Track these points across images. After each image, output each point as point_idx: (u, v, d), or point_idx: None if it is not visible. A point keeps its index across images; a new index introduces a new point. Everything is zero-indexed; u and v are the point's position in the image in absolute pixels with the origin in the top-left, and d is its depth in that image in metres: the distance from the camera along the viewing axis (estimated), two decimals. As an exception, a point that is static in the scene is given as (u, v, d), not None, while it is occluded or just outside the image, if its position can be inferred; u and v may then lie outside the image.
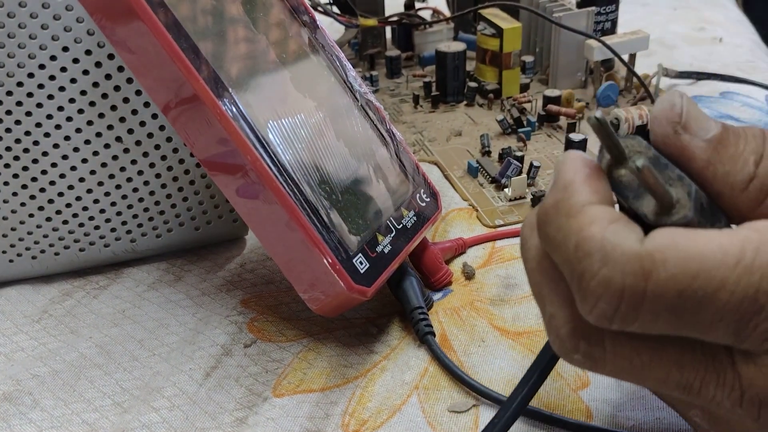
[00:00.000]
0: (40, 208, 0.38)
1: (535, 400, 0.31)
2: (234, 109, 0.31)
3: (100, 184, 0.38)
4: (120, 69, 0.36)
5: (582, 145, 0.45)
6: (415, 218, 0.37)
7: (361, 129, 0.37)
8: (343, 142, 0.36)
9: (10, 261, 0.39)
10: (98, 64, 0.35)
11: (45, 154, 0.37)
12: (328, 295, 0.33)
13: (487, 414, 0.31)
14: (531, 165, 0.46)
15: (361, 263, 0.33)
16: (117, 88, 0.36)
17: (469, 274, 0.39)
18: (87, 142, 0.37)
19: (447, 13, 0.66)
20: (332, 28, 0.66)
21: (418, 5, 0.66)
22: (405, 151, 0.39)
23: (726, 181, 0.22)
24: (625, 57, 0.54)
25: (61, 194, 0.38)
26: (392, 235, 0.35)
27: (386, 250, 0.34)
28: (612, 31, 0.57)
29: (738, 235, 0.20)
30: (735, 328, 0.20)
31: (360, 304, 0.34)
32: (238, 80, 0.32)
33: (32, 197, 0.38)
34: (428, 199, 0.38)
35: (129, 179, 0.38)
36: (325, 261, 0.32)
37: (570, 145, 0.45)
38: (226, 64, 0.32)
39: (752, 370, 0.21)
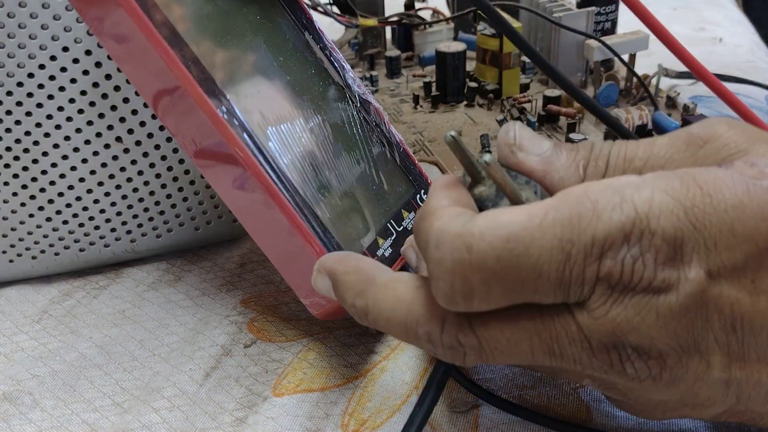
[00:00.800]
0: (40, 209, 0.38)
1: (535, 400, 0.31)
2: (232, 116, 0.31)
3: (100, 184, 0.38)
4: (120, 69, 0.36)
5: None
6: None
7: (359, 131, 0.37)
8: (342, 145, 0.35)
9: (10, 261, 0.39)
10: (98, 65, 0.35)
11: (45, 154, 0.37)
12: (330, 301, 0.32)
13: (487, 413, 0.31)
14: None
15: None
16: (117, 89, 0.36)
17: None
18: (87, 142, 0.37)
19: (447, 13, 0.66)
20: (332, 28, 0.66)
21: (418, 5, 0.66)
22: (405, 152, 0.39)
23: (562, 185, 0.26)
24: (625, 57, 0.54)
25: (61, 194, 0.38)
26: (393, 237, 0.35)
27: (387, 254, 0.34)
28: (612, 31, 0.57)
29: (542, 202, 0.23)
30: (555, 280, 0.22)
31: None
32: (234, 85, 0.32)
33: (32, 197, 0.38)
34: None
35: (129, 179, 0.38)
36: None
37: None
38: (222, 68, 0.32)
39: (587, 318, 0.23)
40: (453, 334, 0.24)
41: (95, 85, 0.36)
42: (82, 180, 0.38)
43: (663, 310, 0.22)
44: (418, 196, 0.38)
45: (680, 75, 0.58)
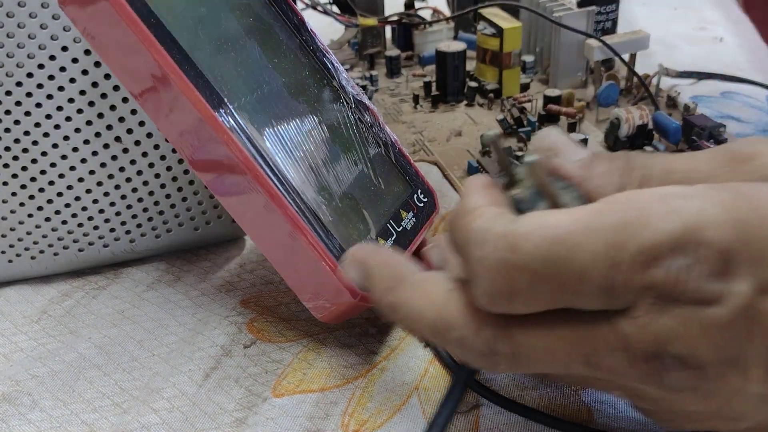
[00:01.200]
0: (39, 209, 0.38)
1: (536, 402, 0.31)
2: (231, 120, 0.31)
3: (99, 184, 0.38)
4: (107, 65, 0.35)
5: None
6: (414, 219, 0.37)
7: (355, 132, 0.37)
8: (339, 146, 0.35)
9: (9, 261, 0.39)
10: (97, 64, 0.35)
11: (44, 154, 0.36)
12: (333, 304, 0.32)
13: (488, 414, 0.31)
14: (531, 165, 0.46)
15: None
16: (116, 88, 0.36)
17: None
18: (86, 142, 0.37)
19: (447, 12, 0.66)
20: (332, 28, 0.66)
21: (418, 5, 0.66)
22: (400, 152, 0.38)
23: (600, 193, 0.25)
24: (626, 57, 0.54)
25: (60, 194, 0.38)
26: (393, 238, 0.35)
27: None
28: (612, 30, 0.57)
29: (588, 206, 0.23)
30: (600, 285, 0.22)
31: (364, 310, 0.34)
32: (230, 88, 0.32)
33: (31, 197, 0.37)
34: (426, 199, 0.38)
35: (128, 179, 0.38)
36: (329, 270, 0.31)
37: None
38: (221, 74, 0.32)
39: (630, 326, 0.22)
40: (488, 340, 0.24)
41: (94, 84, 0.36)
42: (81, 180, 0.38)
43: (708, 322, 0.22)
44: (415, 196, 0.38)
45: (681, 75, 0.58)
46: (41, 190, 0.37)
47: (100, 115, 0.36)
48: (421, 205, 0.38)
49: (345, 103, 0.37)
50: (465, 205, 0.25)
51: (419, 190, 0.38)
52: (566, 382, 0.31)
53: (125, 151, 0.37)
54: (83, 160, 0.37)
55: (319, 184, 0.33)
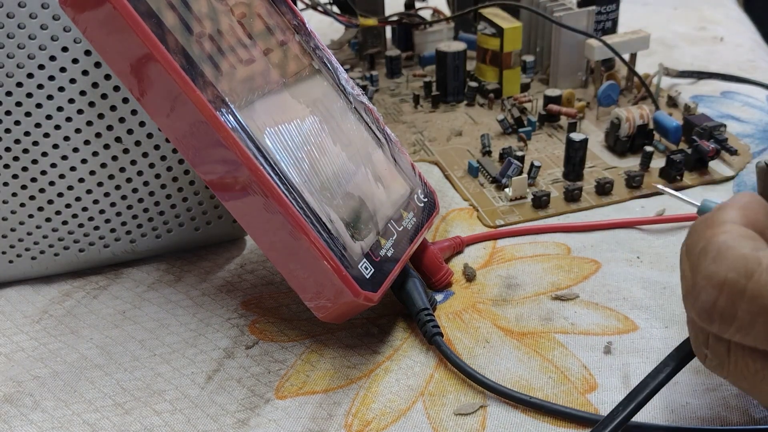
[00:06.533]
0: (40, 209, 0.38)
1: (544, 403, 0.31)
2: (232, 119, 0.30)
3: (100, 184, 0.38)
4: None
5: (583, 144, 0.45)
6: (414, 219, 0.37)
7: (356, 132, 0.37)
8: (340, 146, 0.35)
9: (10, 262, 0.39)
10: (98, 65, 0.35)
11: (44, 154, 0.36)
12: (335, 303, 0.32)
13: (495, 414, 0.31)
14: (532, 165, 0.46)
15: (366, 269, 0.33)
16: (116, 89, 0.36)
17: (469, 276, 0.39)
18: (86, 142, 0.37)
19: (447, 12, 0.66)
20: (332, 28, 0.66)
21: (418, 5, 0.66)
22: (401, 152, 0.38)
23: None
24: (626, 56, 0.54)
25: (60, 195, 0.38)
26: (394, 237, 0.35)
27: (389, 254, 0.34)
28: (612, 30, 0.57)
29: None
30: None
31: (366, 309, 0.34)
32: (231, 87, 0.31)
33: (32, 198, 0.37)
34: (426, 199, 0.38)
35: (129, 180, 0.38)
36: (331, 269, 0.31)
37: (571, 144, 0.45)
38: (222, 74, 0.31)
39: None
40: (704, 343, 0.24)
41: (95, 85, 0.36)
42: (81, 180, 0.37)
43: None
44: (415, 196, 0.38)
45: (681, 74, 0.58)
46: (42, 190, 0.37)
47: (101, 116, 0.36)
48: (421, 205, 0.38)
49: (345, 103, 0.37)
50: (717, 215, 0.24)
51: (419, 191, 0.38)
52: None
53: (126, 151, 0.37)
54: (84, 161, 0.37)
55: (321, 183, 0.33)
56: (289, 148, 0.33)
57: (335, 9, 0.59)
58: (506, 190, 0.45)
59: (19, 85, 0.35)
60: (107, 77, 0.35)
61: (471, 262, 0.40)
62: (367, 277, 0.32)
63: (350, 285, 0.31)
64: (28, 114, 0.35)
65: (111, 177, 0.38)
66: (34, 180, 0.37)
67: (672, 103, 0.54)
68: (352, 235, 0.33)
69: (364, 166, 0.36)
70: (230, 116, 0.30)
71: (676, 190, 0.44)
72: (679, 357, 0.27)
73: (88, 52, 0.35)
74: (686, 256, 0.24)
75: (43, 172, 0.37)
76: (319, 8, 0.56)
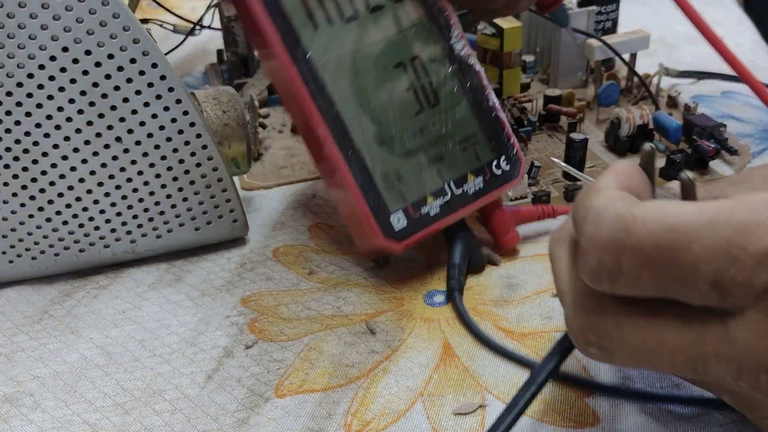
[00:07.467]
0: (40, 209, 0.38)
1: (542, 406, 0.31)
2: (302, 60, 0.35)
3: (100, 184, 0.38)
4: (120, 69, 0.35)
5: (583, 144, 0.45)
6: (482, 185, 0.38)
7: (448, 91, 0.38)
8: (424, 103, 0.37)
9: (10, 262, 0.39)
10: (98, 64, 0.35)
11: (45, 154, 0.36)
12: (364, 240, 0.37)
13: (494, 413, 0.31)
14: (532, 165, 0.46)
15: (398, 221, 0.36)
16: (116, 88, 0.36)
17: (493, 262, 0.40)
18: (87, 142, 0.37)
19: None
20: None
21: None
22: (497, 118, 0.39)
23: None
24: (626, 56, 0.54)
25: (61, 195, 0.38)
26: (446, 198, 0.37)
27: (432, 213, 0.37)
28: (613, 30, 0.57)
29: (716, 202, 0.22)
30: (712, 281, 0.22)
31: (395, 254, 0.37)
32: (314, 26, 0.35)
33: (32, 198, 0.37)
34: (507, 168, 0.39)
35: (129, 180, 0.38)
36: (361, 212, 0.35)
37: (571, 144, 0.45)
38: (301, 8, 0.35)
39: (743, 329, 0.22)
40: (587, 330, 0.24)
41: (95, 85, 0.36)
42: (81, 180, 0.38)
43: None
44: (495, 162, 0.38)
45: (681, 74, 0.58)
46: (42, 190, 0.37)
47: (101, 116, 0.36)
48: (499, 172, 0.39)
49: (449, 62, 0.38)
50: (596, 183, 0.25)
51: (503, 157, 0.39)
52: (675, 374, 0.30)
53: (126, 151, 0.37)
54: (84, 161, 0.37)
55: (383, 136, 0.36)
56: (360, 96, 0.36)
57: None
58: (506, 189, 0.45)
59: (20, 85, 0.35)
60: (107, 77, 0.36)
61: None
62: (397, 228, 0.36)
63: (373, 229, 0.35)
64: (28, 114, 0.35)
65: (111, 177, 0.38)
66: (34, 180, 0.37)
67: (672, 103, 0.54)
68: (398, 189, 0.36)
69: (444, 126, 0.37)
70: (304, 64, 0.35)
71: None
72: (561, 351, 0.28)
73: (88, 52, 0.35)
74: (574, 228, 0.25)
75: (44, 172, 0.37)
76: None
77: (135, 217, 0.39)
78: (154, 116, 0.37)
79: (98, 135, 0.37)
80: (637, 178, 0.25)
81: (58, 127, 0.36)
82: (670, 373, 0.25)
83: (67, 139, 0.36)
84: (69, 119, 0.36)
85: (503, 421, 0.27)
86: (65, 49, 0.35)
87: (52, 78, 0.35)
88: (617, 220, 0.23)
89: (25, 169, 0.37)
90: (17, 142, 0.36)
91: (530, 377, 0.28)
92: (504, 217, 0.39)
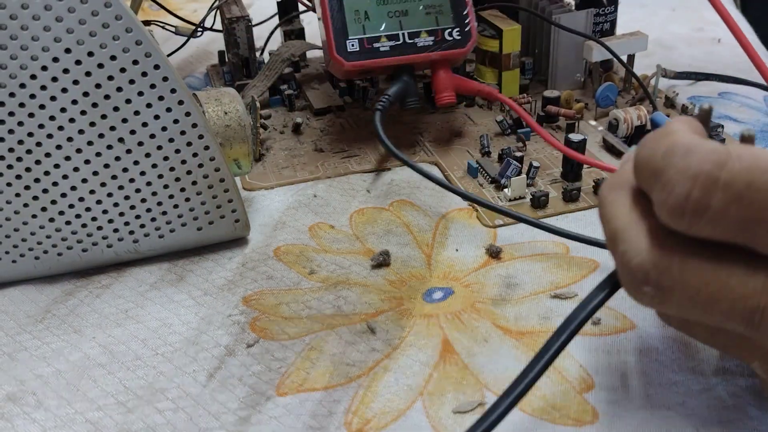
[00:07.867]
0: (43, 209, 0.38)
1: (541, 402, 0.32)
2: None
3: (103, 185, 0.38)
4: (122, 70, 0.36)
5: (581, 145, 0.46)
6: (431, 43, 0.47)
7: None
8: None
9: (13, 261, 0.39)
10: (101, 66, 0.35)
11: (48, 155, 0.37)
12: (328, 55, 0.48)
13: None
14: (530, 165, 0.46)
15: (352, 45, 0.47)
16: (119, 90, 0.36)
17: (494, 253, 0.40)
18: (90, 143, 0.37)
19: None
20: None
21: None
22: (465, 4, 0.48)
23: None
24: (624, 58, 0.54)
25: (64, 195, 0.38)
26: (398, 42, 0.47)
27: (382, 49, 0.47)
28: (611, 32, 0.58)
29: None
30: None
31: (342, 73, 0.48)
32: None
33: (35, 198, 0.38)
34: (459, 37, 0.48)
35: (131, 180, 0.38)
36: (327, 31, 0.47)
37: (569, 145, 0.46)
38: None
39: None
40: (647, 266, 0.24)
41: (98, 86, 0.36)
42: (84, 181, 0.38)
43: None
44: (449, 30, 0.48)
45: (679, 75, 0.58)
46: (45, 191, 0.38)
47: (104, 117, 0.37)
48: (450, 39, 0.48)
49: None
50: (667, 127, 0.24)
51: (457, 29, 0.48)
52: (702, 338, 0.28)
53: (129, 152, 0.38)
54: (87, 161, 0.37)
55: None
56: None
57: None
58: (505, 190, 0.46)
59: (23, 86, 0.35)
60: (110, 78, 0.36)
61: (470, 262, 0.40)
62: (349, 50, 0.47)
63: (330, 45, 0.47)
64: (31, 115, 0.36)
65: (114, 177, 0.38)
66: (37, 181, 0.37)
67: (669, 104, 0.54)
68: (355, 21, 0.47)
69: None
70: None
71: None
72: (611, 284, 0.27)
73: (91, 54, 0.35)
74: (643, 167, 0.24)
75: (47, 173, 0.37)
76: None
77: (138, 217, 0.40)
78: (157, 117, 0.37)
79: (101, 136, 0.37)
80: (700, 131, 0.26)
81: (61, 128, 0.36)
82: (721, 323, 0.24)
83: (70, 140, 0.37)
84: (72, 120, 0.36)
85: (548, 349, 0.27)
86: (68, 51, 0.35)
87: (55, 79, 0.35)
88: (711, 153, 0.22)
89: (28, 169, 0.37)
90: (20, 143, 0.36)
91: (572, 313, 0.27)
92: (445, 78, 0.48)
